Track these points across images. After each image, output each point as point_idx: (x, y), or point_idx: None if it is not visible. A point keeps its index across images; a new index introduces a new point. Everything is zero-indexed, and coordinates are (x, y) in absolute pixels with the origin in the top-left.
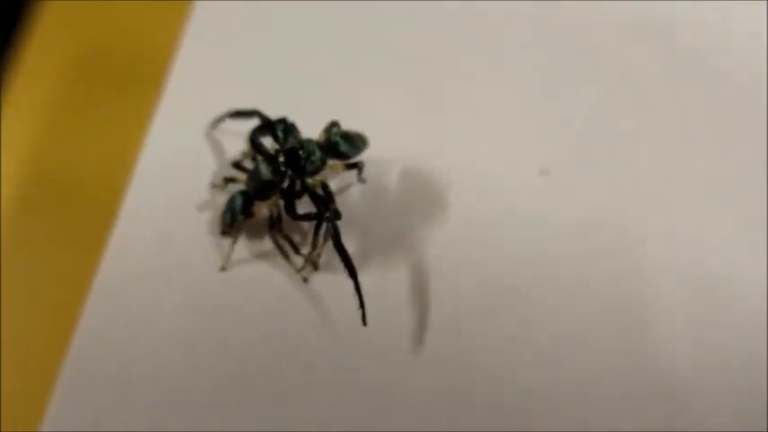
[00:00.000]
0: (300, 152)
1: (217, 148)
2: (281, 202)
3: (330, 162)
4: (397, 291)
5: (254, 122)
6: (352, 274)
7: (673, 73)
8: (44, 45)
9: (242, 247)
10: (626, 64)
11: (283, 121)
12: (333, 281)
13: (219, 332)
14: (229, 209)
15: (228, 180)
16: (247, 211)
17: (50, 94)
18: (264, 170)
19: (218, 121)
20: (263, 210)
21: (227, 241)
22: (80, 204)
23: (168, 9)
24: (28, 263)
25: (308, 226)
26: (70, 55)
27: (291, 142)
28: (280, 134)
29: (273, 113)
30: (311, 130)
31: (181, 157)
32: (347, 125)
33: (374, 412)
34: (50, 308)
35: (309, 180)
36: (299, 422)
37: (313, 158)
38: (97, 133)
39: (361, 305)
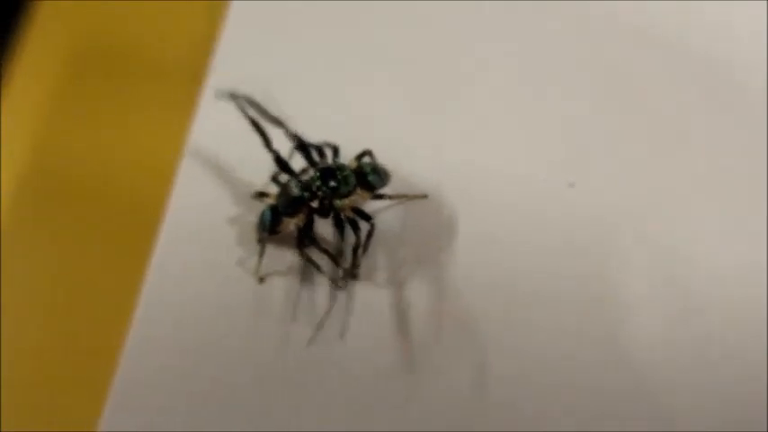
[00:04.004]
0: (337, 173)
1: (258, 155)
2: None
3: (358, 191)
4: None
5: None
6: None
7: (672, 73)
8: (44, 42)
9: (285, 254)
10: (625, 65)
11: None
12: (365, 290)
13: (271, 334)
14: (260, 223)
15: (261, 194)
16: (275, 227)
17: (53, 92)
18: (294, 186)
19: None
20: (290, 225)
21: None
22: (81, 201)
23: (181, 7)
24: (28, 263)
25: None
26: (72, 52)
27: (326, 162)
28: (316, 154)
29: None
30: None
31: (223, 160)
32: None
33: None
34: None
35: (337, 202)
36: (338, 426)
37: (348, 182)
38: (99, 131)
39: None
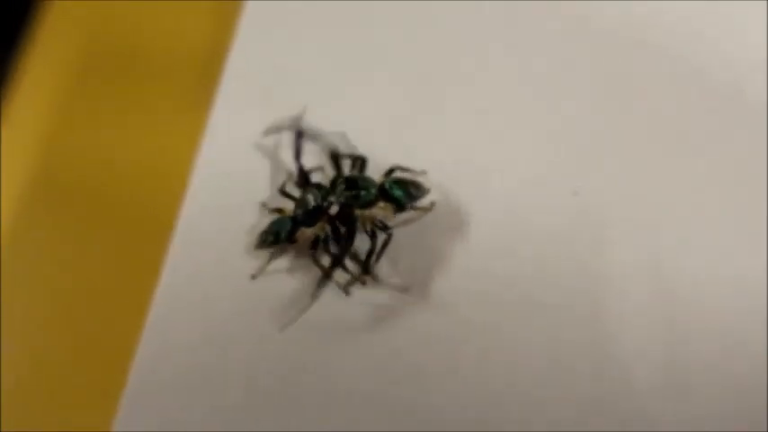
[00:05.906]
0: (358, 182)
1: (271, 161)
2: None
3: (381, 204)
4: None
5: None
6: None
7: (672, 74)
8: (53, 43)
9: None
10: (625, 65)
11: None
12: (373, 295)
13: (282, 338)
14: (274, 232)
15: (276, 210)
16: (291, 237)
17: (61, 94)
18: (311, 198)
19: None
20: (305, 234)
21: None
22: (87, 203)
23: (189, 7)
24: (32, 264)
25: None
26: (81, 53)
27: (348, 173)
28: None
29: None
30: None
31: (234, 167)
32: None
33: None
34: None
35: (357, 211)
36: (347, 427)
37: (368, 191)
38: (107, 132)
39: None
